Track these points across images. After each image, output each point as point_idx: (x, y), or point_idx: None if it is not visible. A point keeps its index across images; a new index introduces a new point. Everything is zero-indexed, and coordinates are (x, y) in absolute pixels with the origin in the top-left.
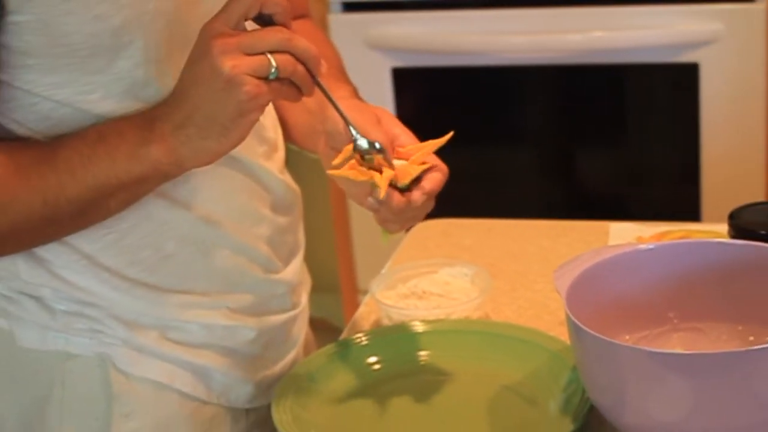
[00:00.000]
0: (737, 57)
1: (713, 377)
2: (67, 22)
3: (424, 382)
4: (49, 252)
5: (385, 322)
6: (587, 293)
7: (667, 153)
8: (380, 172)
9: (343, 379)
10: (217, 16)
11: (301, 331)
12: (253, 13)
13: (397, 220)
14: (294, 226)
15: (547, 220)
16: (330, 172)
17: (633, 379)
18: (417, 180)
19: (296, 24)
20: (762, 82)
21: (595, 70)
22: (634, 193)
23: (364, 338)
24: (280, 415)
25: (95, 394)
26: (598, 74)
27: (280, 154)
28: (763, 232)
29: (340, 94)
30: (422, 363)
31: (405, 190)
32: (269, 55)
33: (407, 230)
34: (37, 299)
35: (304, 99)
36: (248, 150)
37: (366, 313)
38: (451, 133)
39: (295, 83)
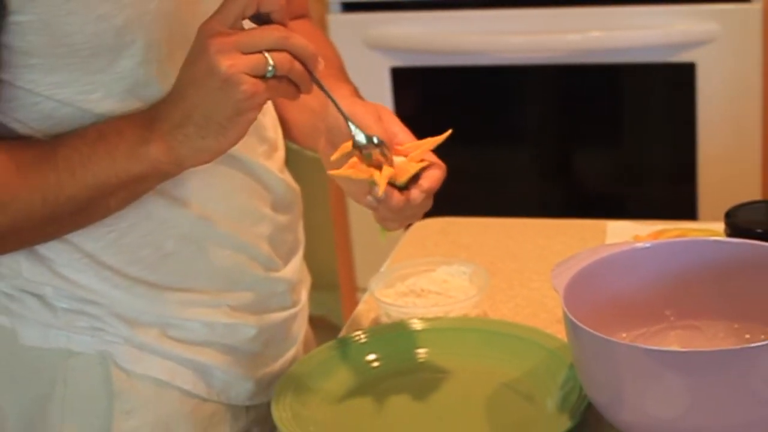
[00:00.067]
0: (734, 57)
1: (710, 375)
2: (69, 22)
3: (423, 380)
4: (50, 250)
5: (384, 319)
6: (584, 291)
7: (664, 152)
8: (380, 168)
9: (342, 377)
10: (213, 15)
11: (301, 328)
12: (250, 11)
13: (395, 218)
14: (294, 224)
15: (544, 219)
16: (330, 172)
17: (630, 377)
18: (415, 178)
19: (296, 24)
20: (758, 81)
21: (593, 70)
22: (632, 191)
23: (363, 336)
24: (279, 413)
25: (97, 391)
26: (595, 74)
27: (280, 153)
28: (759, 230)
29: (340, 94)
30: (421, 360)
31: (403, 188)
32: (266, 54)
33: (406, 228)
34: (39, 297)
35: (307, 98)
36: (248, 149)
37: (365, 311)
38: (449, 131)
39: (293, 81)
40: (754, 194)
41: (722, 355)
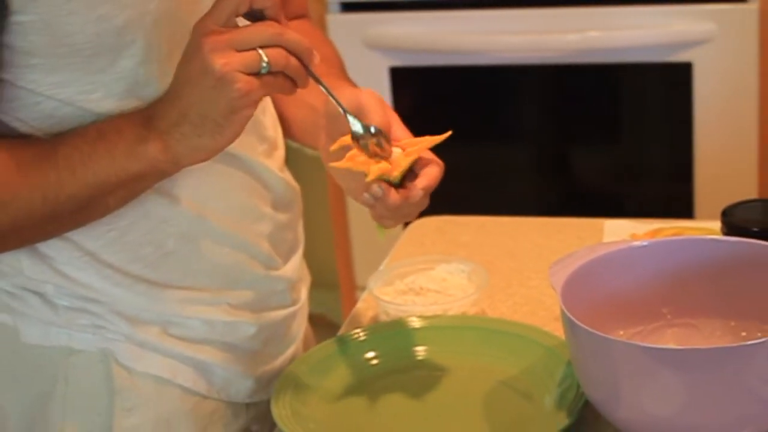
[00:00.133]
0: (730, 56)
1: (706, 372)
2: (70, 22)
3: (421, 377)
4: (51, 249)
5: (383, 317)
6: (582, 289)
7: (661, 151)
8: (378, 159)
9: (341, 374)
10: (207, 14)
11: (301, 326)
12: (244, 9)
13: (392, 216)
14: (294, 223)
15: (542, 218)
16: (331, 164)
17: (627, 374)
18: (409, 174)
19: (295, 24)
20: (755, 81)
21: (591, 70)
22: (629, 190)
23: (362, 334)
24: (279, 410)
25: (98, 389)
26: (593, 73)
27: (280, 152)
28: (755, 229)
29: (341, 93)
30: (419, 358)
31: (398, 185)
32: (260, 50)
33: (405, 226)
34: (41, 295)
35: (306, 95)
36: (248, 148)
37: (364, 309)
38: (449, 132)
39: (289, 76)
40: (751, 193)
41: (719, 352)
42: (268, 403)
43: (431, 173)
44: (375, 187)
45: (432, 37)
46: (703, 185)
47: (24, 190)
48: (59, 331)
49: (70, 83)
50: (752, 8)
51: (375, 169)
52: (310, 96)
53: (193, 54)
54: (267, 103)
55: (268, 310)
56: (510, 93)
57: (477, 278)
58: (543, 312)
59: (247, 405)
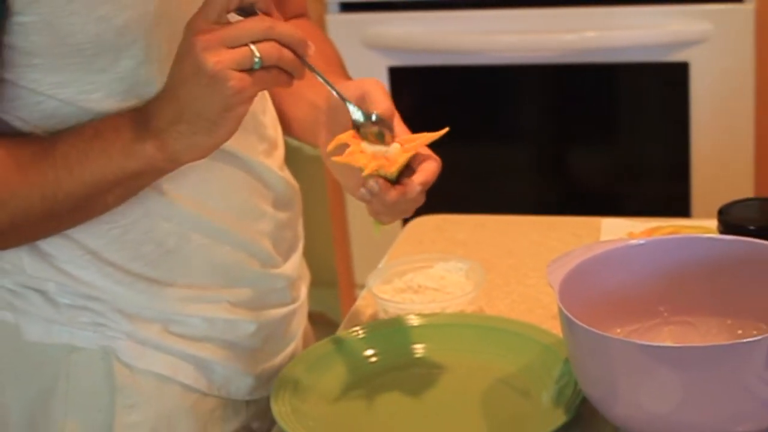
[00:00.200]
0: (726, 56)
1: (703, 370)
2: (71, 22)
3: (420, 375)
4: (53, 247)
5: (382, 315)
6: (579, 287)
7: (657, 150)
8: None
9: (340, 372)
10: (198, 12)
11: (300, 324)
12: (234, 5)
13: (389, 212)
14: (293, 221)
15: (540, 216)
16: (332, 158)
17: (624, 372)
18: (406, 170)
19: (294, 23)
20: (751, 80)
21: (588, 69)
22: (626, 189)
23: (361, 332)
24: (279, 407)
25: (99, 386)
26: (590, 73)
27: (280, 151)
28: (751, 227)
29: (343, 84)
30: (418, 356)
31: (394, 181)
32: (252, 46)
33: (403, 224)
34: (42, 293)
35: (307, 92)
36: (249, 147)
37: (363, 307)
38: (445, 129)
39: (284, 69)
40: (747, 192)
41: (715, 350)
42: (268, 400)
43: (428, 169)
44: (372, 183)
45: (431, 37)
46: (700, 184)
47: (22, 188)
48: (61, 329)
49: (71, 83)
50: (748, 8)
51: (372, 164)
52: (310, 92)
53: (185, 53)
54: (267, 102)
55: (268, 308)
56: (508, 92)
57: (475, 276)
58: (540, 310)
59: (247, 402)
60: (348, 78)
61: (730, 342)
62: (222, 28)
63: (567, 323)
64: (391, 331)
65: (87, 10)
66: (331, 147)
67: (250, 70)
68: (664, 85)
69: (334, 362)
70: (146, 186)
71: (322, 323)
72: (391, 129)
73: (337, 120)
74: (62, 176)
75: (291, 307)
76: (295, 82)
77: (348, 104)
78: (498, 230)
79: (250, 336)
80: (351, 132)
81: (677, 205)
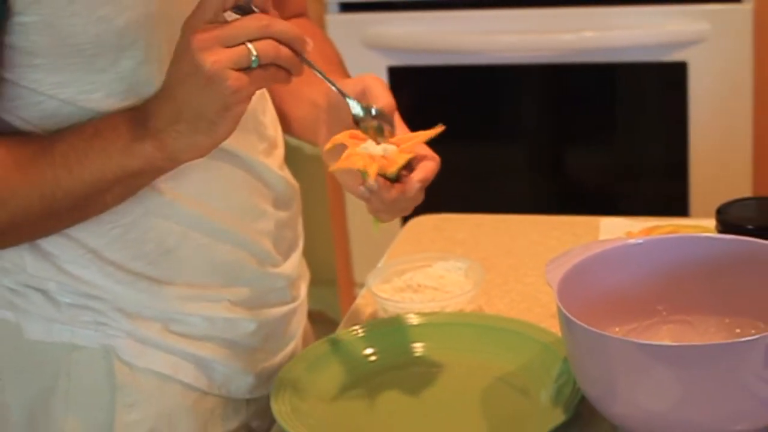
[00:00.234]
0: (725, 56)
1: (701, 368)
2: (72, 23)
3: (419, 374)
4: (54, 246)
5: (381, 314)
6: (578, 286)
7: (656, 150)
8: (379, 140)
9: (340, 371)
10: (194, 11)
11: (300, 323)
12: (230, 3)
13: (388, 209)
14: (293, 221)
15: (539, 216)
16: (330, 168)
17: (623, 370)
18: (405, 169)
19: (294, 22)
20: (749, 80)
21: (587, 69)
22: (624, 188)
23: (360, 330)
24: (279, 406)
25: (100, 385)
26: (589, 73)
27: (280, 150)
28: (750, 226)
29: (344, 81)
30: (417, 355)
31: (394, 179)
32: (249, 45)
33: (402, 223)
34: (43, 292)
35: (307, 90)
36: (249, 147)
37: (362, 306)
38: (441, 127)
39: (282, 66)
40: (745, 191)
41: (713, 349)
42: (268, 399)
43: (427, 167)
44: (371, 181)
45: (430, 36)
46: (698, 183)
47: (22, 187)
48: (62, 328)
49: (71, 83)
50: (746, 8)
51: (373, 166)
52: (311, 91)
53: (182, 53)
54: (267, 102)
55: (268, 307)
56: (507, 92)
57: (474, 275)
58: (539, 309)
59: (248, 401)
60: (348, 76)
61: (729, 341)
62: (218, 28)
63: (566, 322)
64: (390, 329)
65: (88, 11)
66: (328, 147)
67: (247, 69)
68: (662, 85)
69: (334, 361)
70: (146, 185)
71: (322, 322)
72: (390, 123)
73: (338, 118)
74: (61, 175)
75: (291, 306)
76: (296, 81)
77: (347, 99)
78: (497, 229)
79: (250, 335)
80: (348, 132)
81: (675, 204)
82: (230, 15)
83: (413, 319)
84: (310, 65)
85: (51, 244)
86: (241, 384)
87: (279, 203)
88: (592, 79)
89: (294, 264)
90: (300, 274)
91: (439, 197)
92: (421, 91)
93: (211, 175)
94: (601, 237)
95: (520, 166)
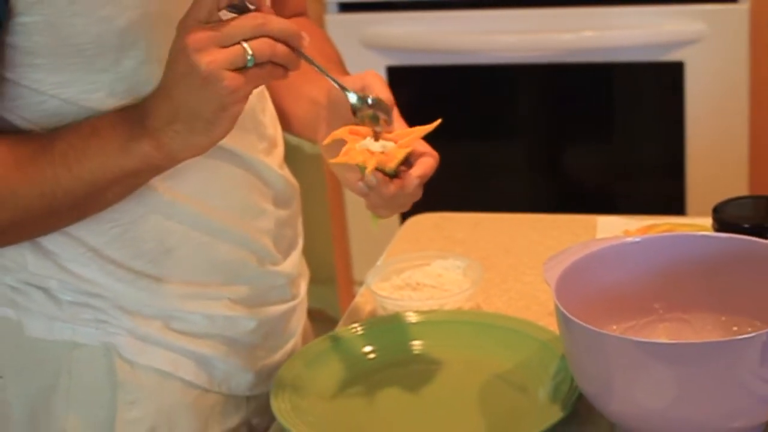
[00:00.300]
0: (721, 56)
1: (698, 366)
2: (73, 23)
3: (418, 371)
4: (56, 245)
5: (380, 312)
6: (576, 285)
7: (653, 149)
8: (378, 134)
9: (339, 368)
10: (188, 11)
11: (300, 321)
12: (225, 2)
13: (386, 205)
14: (293, 219)
15: (537, 214)
16: (331, 161)
17: (620, 368)
18: (404, 164)
19: (294, 22)
20: (745, 80)
21: (584, 69)
22: (621, 187)
23: (359, 328)
24: (278, 404)
25: (101, 382)
26: (586, 72)
27: (280, 149)
28: (746, 225)
29: (343, 78)
30: (416, 352)
31: (392, 175)
32: (245, 44)
33: (401, 222)
34: (45, 290)
35: (306, 88)
36: (248, 146)
37: (362, 304)
38: (438, 121)
39: (279, 63)
40: (741, 190)
41: (710, 347)
42: (268, 396)
43: (426, 163)
44: (370, 177)
45: (428, 36)
46: (695, 182)
47: (22, 186)
48: (63, 326)
49: (73, 83)
50: (743, 8)
51: (372, 161)
52: (311, 89)
53: (178, 54)
54: (267, 102)
55: (268, 304)
56: (505, 91)
57: (472, 274)
58: (537, 307)
59: (248, 398)
60: (347, 74)
61: (725, 339)
62: (214, 28)
63: (563, 320)
64: (389, 327)
65: (89, 12)
66: (326, 142)
67: (243, 68)
68: (659, 85)
69: (333, 359)
70: (145, 183)
71: (321, 320)
72: (386, 112)
73: (338, 115)
74: (61, 174)
75: (291, 304)
76: (296, 79)
77: (344, 90)
78: (495, 228)
79: (251, 332)
80: (347, 128)
81: (672, 203)
82: (225, 14)
83: (412, 317)
84: (308, 59)
85: (52, 242)
86: (241, 381)
87: (279, 202)
88: (590, 79)
89: (294, 262)
90: (300, 273)
91: (438, 196)
92: (419, 91)
93: (211, 175)
94: (599, 235)
95: (519, 165)
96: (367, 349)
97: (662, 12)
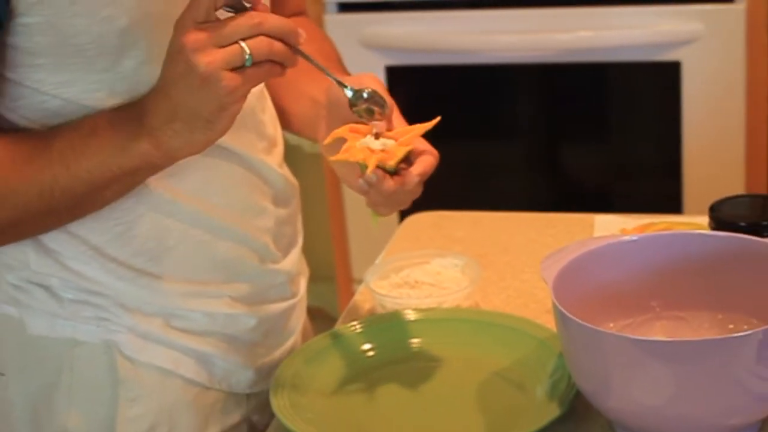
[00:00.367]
0: (718, 56)
1: (694, 364)
2: (74, 23)
3: (416, 369)
4: (57, 243)
5: (379, 310)
6: (573, 283)
7: (650, 148)
8: (378, 132)
9: (338, 366)
10: (185, 11)
11: (300, 319)
12: (222, 2)
13: (386, 203)
14: (293, 218)
15: (535, 213)
16: (330, 159)
17: (617, 366)
18: (404, 162)
19: (293, 21)
20: (742, 79)
21: (582, 69)
22: (619, 186)
23: (358, 326)
24: (278, 401)
25: (102, 380)
26: (584, 72)
27: (279, 149)
28: (742, 224)
29: (342, 79)
30: (414, 350)
31: (392, 173)
32: (242, 43)
33: (400, 220)
34: (46, 288)
35: (306, 87)
36: (248, 145)
37: (361, 302)
38: (438, 118)
39: (276, 61)
40: (738, 189)
41: (706, 344)
42: (268, 393)
43: (426, 161)
44: (370, 174)
45: (427, 36)
46: (692, 181)
47: (21, 185)
48: (64, 323)
49: (74, 82)
50: (739, 8)
51: (372, 159)
52: (311, 87)
53: (176, 54)
54: (266, 101)
55: (268, 302)
56: (503, 91)
57: (471, 272)
58: (535, 305)
59: (248, 395)
60: (346, 72)
61: (722, 336)
62: (211, 27)
63: (561, 318)
64: (388, 325)
65: (90, 12)
66: (327, 141)
67: (241, 68)
68: (656, 85)
69: (333, 356)
70: (143, 181)
71: (321, 318)
72: (381, 105)
73: (337, 114)
74: (60, 173)
75: (290, 302)
76: (295, 78)
77: (341, 85)
78: (494, 227)
79: (251, 330)
80: (348, 126)
81: (669, 202)
82: (221, 13)
83: (411, 315)
84: (305, 57)
85: (54, 240)
86: (242, 379)
87: (278, 200)
88: (587, 79)
89: (293, 260)
90: (299, 271)
91: (437, 195)
92: (418, 91)
93: (211, 173)
94: (596, 234)
95: (517, 164)
96: (366, 346)
97: (659, 12)
